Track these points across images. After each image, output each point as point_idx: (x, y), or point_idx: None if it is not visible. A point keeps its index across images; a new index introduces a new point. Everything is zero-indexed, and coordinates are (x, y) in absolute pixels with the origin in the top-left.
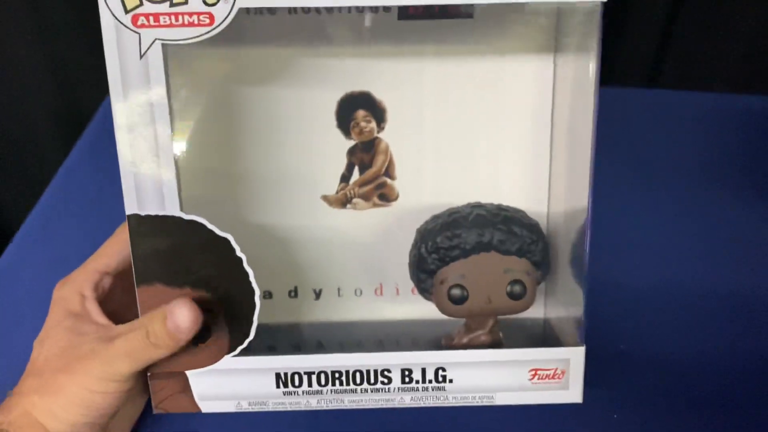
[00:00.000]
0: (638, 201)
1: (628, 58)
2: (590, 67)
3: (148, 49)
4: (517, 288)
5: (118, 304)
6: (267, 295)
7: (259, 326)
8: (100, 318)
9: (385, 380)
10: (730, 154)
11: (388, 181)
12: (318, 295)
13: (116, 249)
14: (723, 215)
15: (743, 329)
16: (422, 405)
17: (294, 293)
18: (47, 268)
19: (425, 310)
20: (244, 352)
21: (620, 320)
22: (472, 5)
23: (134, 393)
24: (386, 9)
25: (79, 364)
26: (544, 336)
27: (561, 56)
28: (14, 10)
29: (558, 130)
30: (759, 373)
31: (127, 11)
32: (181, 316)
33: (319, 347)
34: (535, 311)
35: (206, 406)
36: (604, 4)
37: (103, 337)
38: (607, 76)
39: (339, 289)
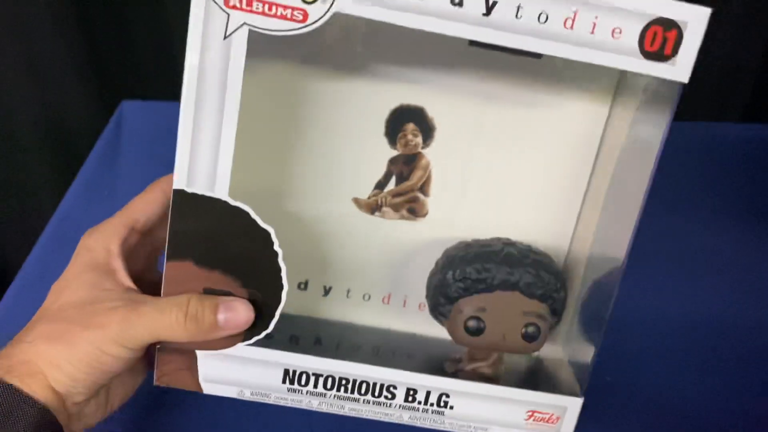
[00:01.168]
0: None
1: None
2: (660, 133)
3: (234, 31)
4: (532, 330)
5: (140, 264)
6: None
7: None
8: (126, 279)
9: (389, 395)
10: (707, 181)
11: (421, 196)
12: (327, 292)
13: (146, 206)
14: (699, 239)
15: (726, 353)
16: (418, 425)
17: (304, 286)
18: None
19: (427, 327)
20: (258, 343)
21: (612, 354)
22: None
23: (140, 364)
24: None
25: (97, 321)
26: (540, 372)
27: (616, 108)
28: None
29: (598, 177)
30: (759, 406)
31: None
32: (241, 314)
33: (317, 343)
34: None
35: (208, 388)
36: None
37: (129, 300)
38: None
39: (348, 291)
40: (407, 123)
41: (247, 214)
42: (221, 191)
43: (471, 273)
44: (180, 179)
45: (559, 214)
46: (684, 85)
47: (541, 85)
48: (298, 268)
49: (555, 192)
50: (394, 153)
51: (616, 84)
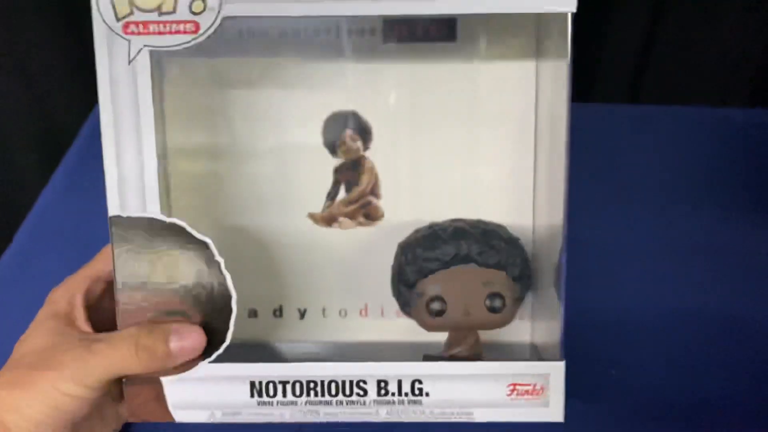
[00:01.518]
0: (622, 218)
1: (608, 75)
2: (564, 71)
3: (137, 55)
4: (496, 302)
5: (106, 312)
6: (252, 313)
7: (243, 344)
8: (84, 325)
9: (361, 392)
10: (712, 167)
11: (374, 200)
12: (303, 314)
13: (110, 257)
14: (706, 229)
15: (726, 349)
16: (398, 420)
17: (279, 312)
18: (25, 306)
19: (410, 332)
20: (220, 359)
21: (606, 342)
22: (455, 30)
23: (110, 409)
24: (372, 32)
25: (53, 362)
26: (529, 356)
27: (542, 66)
28: None
29: (540, 142)
30: (746, 393)
31: (118, 19)
32: (193, 338)
33: None
34: (521, 335)
35: (180, 415)
36: (574, 14)
37: (85, 340)
38: (587, 93)
39: (324, 309)
40: (344, 129)
41: (182, 228)
42: (153, 209)
43: (421, 253)
44: (113, 205)
45: (514, 187)
46: (574, 16)
47: (464, 65)
48: (269, 295)
49: (505, 166)
50: (338, 161)
51: (535, 46)
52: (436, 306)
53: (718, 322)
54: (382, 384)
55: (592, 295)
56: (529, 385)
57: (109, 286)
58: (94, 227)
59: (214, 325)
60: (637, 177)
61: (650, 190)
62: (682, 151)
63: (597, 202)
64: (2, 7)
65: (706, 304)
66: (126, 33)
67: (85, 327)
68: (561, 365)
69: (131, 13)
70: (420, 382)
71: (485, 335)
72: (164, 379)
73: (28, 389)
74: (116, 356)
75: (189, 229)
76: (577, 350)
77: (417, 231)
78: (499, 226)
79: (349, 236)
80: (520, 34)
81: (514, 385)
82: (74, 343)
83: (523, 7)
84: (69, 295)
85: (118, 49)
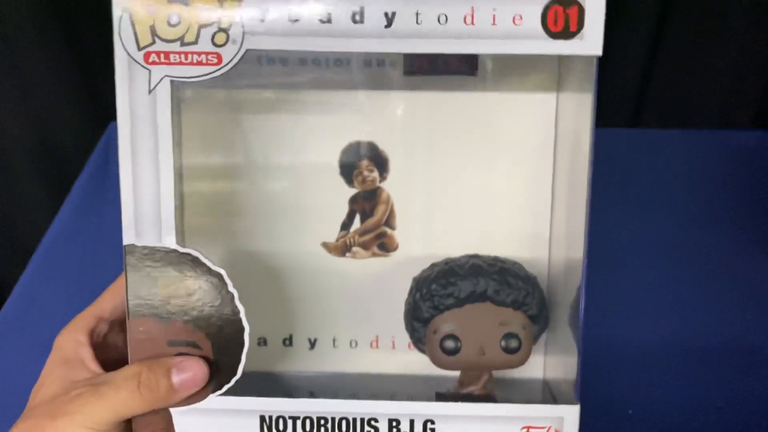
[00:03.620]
0: (626, 243)
1: (610, 99)
2: (588, 108)
3: (157, 85)
4: (512, 342)
5: (114, 351)
6: (262, 342)
7: (252, 374)
8: (92, 364)
9: (372, 430)
10: (716, 191)
11: (389, 231)
12: (313, 344)
13: (114, 296)
14: (716, 255)
15: (744, 381)
16: None
17: (289, 341)
18: (32, 347)
19: (421, 365)
20: (231, 392)
21: (621, 379)
22: (476, 63)
23: None
24: (393, 64)
25: (64, 410)
26: (543, 398)
27: (563, 101)
28: None
29: (559, 176)
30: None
31: (140, 48)
32: (195, 371)
33: (311, 398)
34: (534, 371)
35: None
36: (599, 58)
37: (93, 383)
38: None
39: (334, 340)
40: (360, 159)
41: (197, 259)
42: (168, 240)
43: (437, 289)
44: (128, 234)
45: (531, 220)
46: (598, 59)
47: (484, 98)
48: (279, 324)
49: (522, 199)
50: (353, 191)
51: (557, 80)
52: (450, 344)
53: (731, 353)
54: (394, 423)
55: (605, 328)
56: (543, 428)
57: (114, 324)
58: (101, 262)
59: (224, 358)
60: (641, 201)
61: (654, 215)
62: (686, 175)
63: (599, 228)
64: (5, 35)
65: (714, 328)
66: (147, 62)
67: (94, 366)
68: (576, 409)
69: (153, 42)
70: (432, 422)
71: (497, 371)
72: (174, 411)
73: None
74: (120, 397)
75: (204, 259)
76: (591, 387)
77: (433, 266)
78: (516, 264)
79: (362, 267)
80: (541, 70)
81: (528, 428)
82: (81, 389)
83: (550, 49)
84: (75, 337)
85: (139, 78)
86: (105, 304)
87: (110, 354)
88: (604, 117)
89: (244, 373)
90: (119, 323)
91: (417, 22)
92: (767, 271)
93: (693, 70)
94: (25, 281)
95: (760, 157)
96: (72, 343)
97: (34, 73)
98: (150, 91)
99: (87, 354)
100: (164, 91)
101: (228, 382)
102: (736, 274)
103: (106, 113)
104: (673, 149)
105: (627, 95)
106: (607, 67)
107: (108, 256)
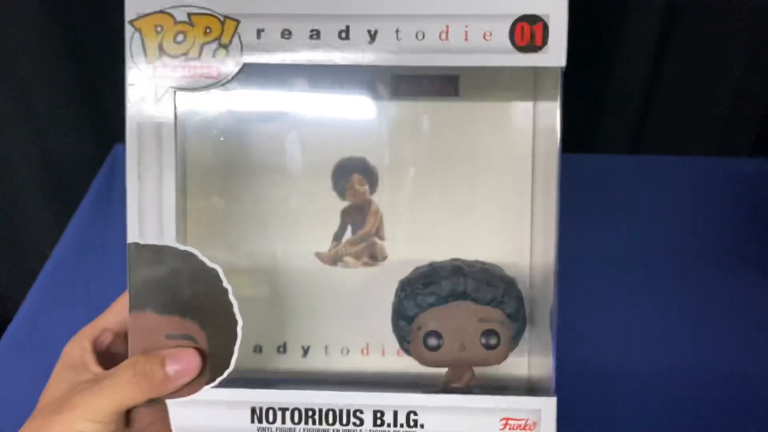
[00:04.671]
0: (622, 269)
1: (609, 125)
2: (556, 114)
3: (164, 95)
4: (491, 338)
5: (116, 359)
6: (257, 349)
7: (247, 380)
8: (95, 367)
9: (357, 421)
10: (714, 217)
11: (378, 241)
12: (306, 351)
13: (119, 310)
14: (708, 280)
15: (734, 408)
16: None
17: (283, 348)
18: (37, 368)
19: (411, 371)
20: (224, 384)
21: (606, 403)
22: (458, 86)
23: None
24: (382, 85)
25: (67, 405)
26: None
27: (540, 114)
28: None
29: (537, 183)
30: None
31: (148, 62)
32: (188, 361)
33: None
34: (519, 369)
35: None
36: (563, 69)
37: (94, 379)
38: (588, 143)
39: (326, 347)
40: (352, 174)
41: (195, 255)
42: (168, 238)
43: (420, 288)
44: (132, 233)
45: (514, 229)
46: (563, 71)
47: (465, 115)
48: (274, 331)
49: (504, 208)
50: (345, 204)
51: (533, 94)
52: (432, 341)
53: (724, 375)
54: (378, 414)
55: (597, 351)
56: (521, 420)
57: (118, 336)
58: (105, 284)
59: (218, 350)
60: (638, 228)
61: (651, 241)
62: (684, 202)
63: (597, 253)
64: (10, 52)
65: (708, 357)
66: (154, 75)
67: (96, 368)
68: (552, 401)
69: (160, 57)
70: (415, 413)
71: (485, 370)
72: (169, 402)
73: None
74: (119, 387)
75: (201, 256)
76: (569, 403)
77: (417, 268)
78: (495, 266)
79: (353, 275)
80: (518, 86)
81: (507, 419)
82: (85, 384)
83: (517, 62)
84: (79, 343)
85: (147, 89)
86: (110, 317)
87: (114, 362)
88: (603, 143)
89: (240, 379)
90: (123, 335)
91: (397, 38)
92: (763, 298)
93: (692, 97)
94: (29, 302)
95: (759, 184)
96: (77, 350)
97: (39, 91)
98: (157, 101)
99: (90, 359)
100: (169, 101)
101: (222, 374)
102: (732, 301)
103: (111, 132)
104: (673, 176)
105: (626, 122)
106: (607, 93)
107: (112, 277)
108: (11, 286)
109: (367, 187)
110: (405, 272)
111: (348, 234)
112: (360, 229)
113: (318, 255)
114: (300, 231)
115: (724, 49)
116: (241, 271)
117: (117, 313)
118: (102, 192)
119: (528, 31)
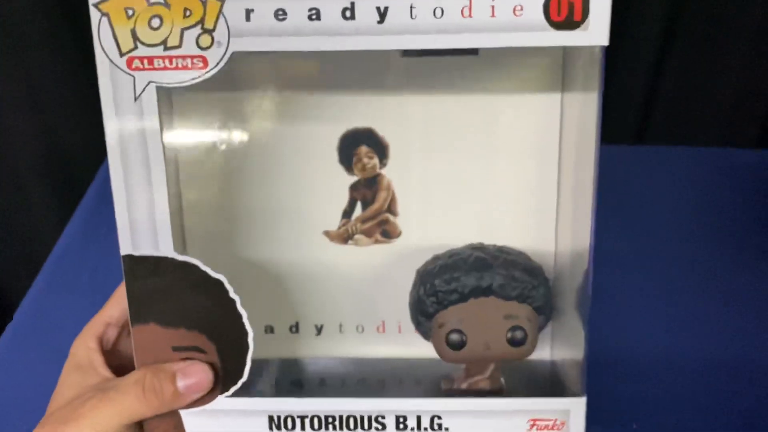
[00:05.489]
0: (627, 258)
1: (614, 115)
2: (594, 105)
3: (143, 91)
4: (517, 334)
5: (126, 357)
6: (269, 329)
7: (260, 361)
8: (103, 370)
9: (380, 426)
10: (720, 208)
11: (391, 217)
12: (319, 330)
13: (119, 301)
14: (715, 270)
15: (745, 394)
16: None
17: (295, 328)
18: (43, 357)
19: (428, 348)
20: (238, 393)
21: (623, 390)
22: None
23: None
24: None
25: (74, 416)
26: (550, 380)
27: (568, 94)
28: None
29: (565, 169)
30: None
31: (122, 54)
32: (200, 376)
33: (321, 384)
34: (541, 353)
35: None
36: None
37: (102, 389)
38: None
39: (341, 326)
40: (359, 146)
41: (197, 267)
42: (165, 247)
43: (441, 285)
44: (125, 244)
45: (537, 211)
46: (604, 49)
47: (486, 83)
48: (285, 311)
49: (527, 188)
50: (354, 179)
51: (561, 69)
52: (455, 339)
53: (734, 366)
54: (401, 419)
55: (606, 339)
56: (549, 420)
57: (123, 329)
58: (111, 273)
59: (230, 361)
60: (644, 218)
61: (657, 232)
62: (690, 192)
63: (604, 243)
64: (12, 34)
65: (721, 346)
66: (130, 68)
67: (104, 371)
68: (582, 401)
69: (135, 47)
70: (439, 417)
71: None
72: (183, 412)
73: None
74: (126, 402)
75: (203, 267)
76: (594, 398)
77: (436, 258)
78: (520, 254)
79: (365, 253)
80: (546, 54)
81: (534, 420)
82: (91, 393)
83: (553, 41)
84: (86, 343)
85: (124, 86)
86: (112, 310)
87: (122, 359)
88: (608, 134)
89: (253, 361)
90: (128, 328)
91: (411, 17)
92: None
93: (698, 88)
94: (35, 291)
95: (766, 175)
96: (84, 350)
97: (44, 82)
98: (136, 99)
99: (98, 360)
100: (150, 98)
101: (235, 383)
102: (738, 290)
103: None
104: (678, 166)
105: (632, 112)
106: (612, 84)
107: (119, 266)
108: (16, 275)
109: (376, 160)
110: (420, 250)
111: (358, 210)
112: (371, 205)
113: (327, 234)
114: (307, 208)
115: (731, 39)
116: (247, 252)
117: (118, 305)
118: (107, 181)
119: (566, 4)
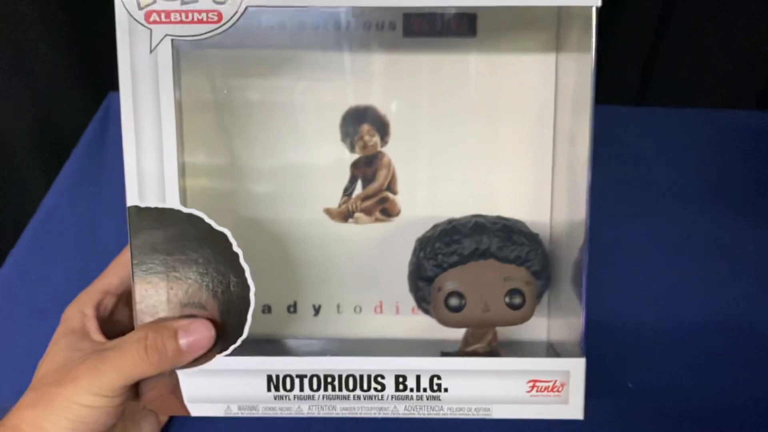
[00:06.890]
0: (629, 220)
1: (615, 76)
2: (588, 68)
3: (159, 44)
4: (516, 297)
5: (121, 325)
6: (266, 309)
7: (257, 341)
8: (97, 335)
9: (378, 386)
10: (721, 170)
11: (391, 196)
12: (317, 311)
13: (120, 269)
14: (715, 232)
15: (745, 360)
16: (416, 416)
17: (293, 308)
18: (27, 314)
19: (425, 329)
20: (237, 352)
21: (620, 353)
22: (475, 24)
23: (147, 416)
24: (392, 26)
25: (69, 377)
26: (546, 352)
27: (562, 62)
28: None
29: (560, 138)
30: (760, 403)
31: (140, 7)
32: (202, 333)
33: None
34: (538, 333)
35: (195, 409)
36: (599, 8)
37: (98, 350)
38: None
39: (338, 306)
40: (361, 124)
41: (201, 219)
42: (172, 200)
43: (440, 248)
44: (132, 195)
45: (532, 183)
46: (598, 11)
47: (482, 59)
48: (283, 291)
49: (523, 161)
50: (355, 157)
51: (557, 38)
52: (454, 301)
53: (730, 326)
54: (401, 379)
55: (605, 305)
56: (549, 381)
57: (121, 298)
58: (98, 231)
59: (231, 318)
60: (645, 180)
61: (658, 194)
62: (691, 154)
63: (604, 205)
64: (4, 9)
65: (715, 308)
66: (148, 22)
67: (98, 337)
68: (581, 362)
69: (153, 1)
70: (439, 377)
71: (501, 333)
72: (180, 372)
73: (49, 407)
74: (127, 361)
75: (208, 219)
76: (590, 360)
77: (436, 226)
78: (518, 222)
79: (365, 232)
80: (540, 29)
81: (534, 381)
82: (88, 354)
83: (548, 1)
84: (80, 308)
85: (140, 38)
86: (111, 278)
87: (117, 329)
88: (608, 94)
89: (249, 340)
90: (126, 297)
91: None
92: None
93: (699, 49)
94: (19, 248)
95: (765, 137)
96: (78, 315)
97: (33, 49)
98: (151, 51)
99: (92, 326)
100: (165, 51)
101: (234, 342)
102: (739, 253)
103: (106, 85)
104: (678, 128)
105: (632, 73)
106: (612, 44)
107: (105, 224)
108: (4, 245)
109: (377, 139)
110: (420, 228)
111: (359, 188)
112: (371, 183)
113: (327, 211)
114: (307, 186)
115: (733, 2)
116: (246, 230)
117: (117, 274)
118: (95, 139)
119: None
